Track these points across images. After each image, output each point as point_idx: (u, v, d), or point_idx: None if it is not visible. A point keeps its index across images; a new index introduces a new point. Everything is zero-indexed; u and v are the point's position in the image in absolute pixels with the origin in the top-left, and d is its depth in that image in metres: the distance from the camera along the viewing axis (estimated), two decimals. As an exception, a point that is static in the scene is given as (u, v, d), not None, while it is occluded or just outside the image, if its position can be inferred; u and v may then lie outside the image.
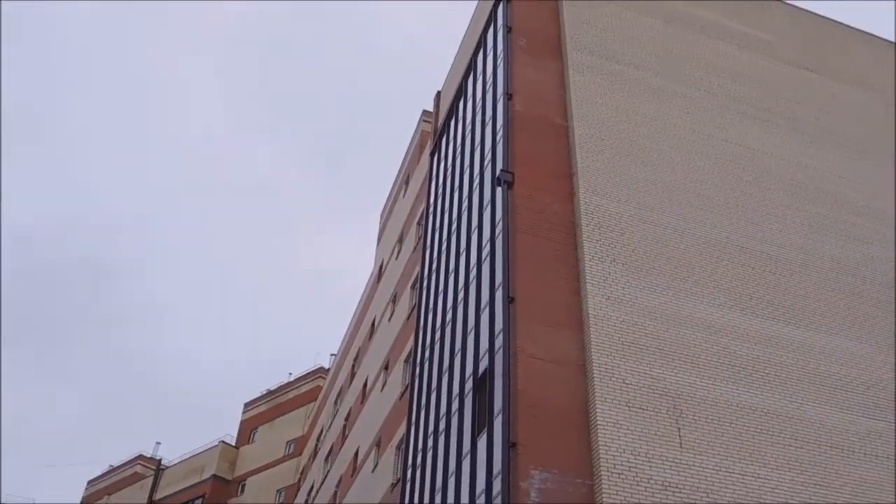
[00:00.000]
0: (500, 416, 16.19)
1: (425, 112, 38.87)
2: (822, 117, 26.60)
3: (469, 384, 18.90)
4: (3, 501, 61.88)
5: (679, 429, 16.53)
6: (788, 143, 24.99)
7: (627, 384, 16.73)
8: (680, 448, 16.21)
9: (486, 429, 16.89)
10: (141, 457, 65.49)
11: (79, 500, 67.66)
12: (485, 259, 20.48)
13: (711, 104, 24.98)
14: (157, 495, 57.25)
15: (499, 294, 18.40)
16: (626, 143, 22.17)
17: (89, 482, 67.76)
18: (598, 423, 15.84)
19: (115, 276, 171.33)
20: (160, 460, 60.99)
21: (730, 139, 24.01)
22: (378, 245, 44.34)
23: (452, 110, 30.42)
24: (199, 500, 54.04)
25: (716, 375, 17.83)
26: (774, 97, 26.43)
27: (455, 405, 19.53)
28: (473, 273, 21.20)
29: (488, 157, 23.03)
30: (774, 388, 18.22)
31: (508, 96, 22.63)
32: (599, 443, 15.55)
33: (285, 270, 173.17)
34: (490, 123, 23.96)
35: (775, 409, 17.77)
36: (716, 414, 17.11)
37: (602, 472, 15.14)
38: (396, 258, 36.35)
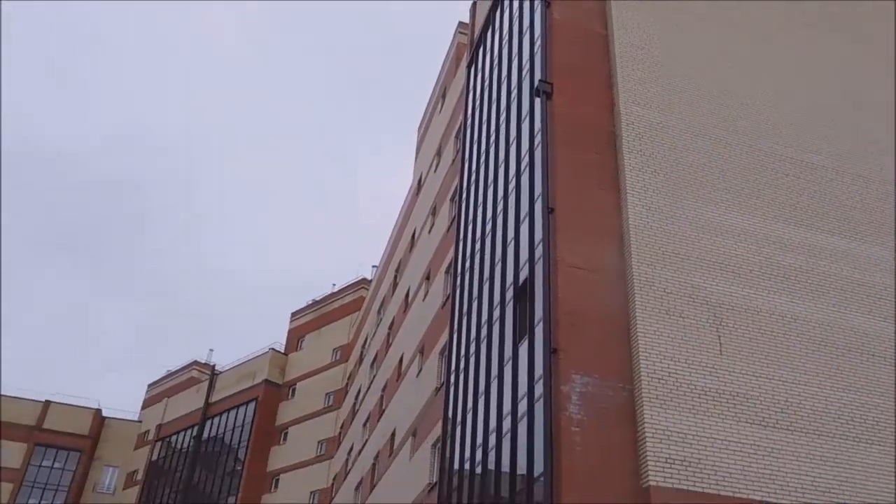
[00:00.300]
0: (540, 324, 16.56)
1: (461, 24, 38.03)
2: (877, 21, 25.62)
3: (510, 293, 19.25)
4: (74, 403, 65.44)
5: (719, 337, 16.77)
6: (841, 50, 24.21)
7: (668, 293, 16.93)
8: (720, 355, 16.49)
9: (527, 336, 17.31)
10: (196, 363, 68.08)
11: (140, 402, 71.05)
12: (524, 170, 20.52)
13: (760, 10, 24.19)
14: (213, 398, 59.74)
15: (538, 205, 18.52)
16: (669, 52, 21.69)
17: (149, 385, 70.96)
18: (639, 331, 16.14)
19: (161, 195, 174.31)
20: (214, 366, 63.38)
21: (778, 46, 23.34)
22: (416, 159, 44.34)
23: (489, 21, 29.83)
24: (253, 403, 56.27)
25: (757, 285, 17.93)
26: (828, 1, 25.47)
27: (496, 313, 19.95)
28: (512, 184, 21.29)
29: (526, 67, 22.73)
30: (817, 297, 18.28)
31: (546, 4, 22.14)
32: (640, 350, 15.89)
33: (326, 186, 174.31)
34: (528, 33, 23.55)
35: (817, 318, 17.89)
36: (757, 323, 17.29)
37: (642, 378, 15.53)
38: (435, 171, 36.42)
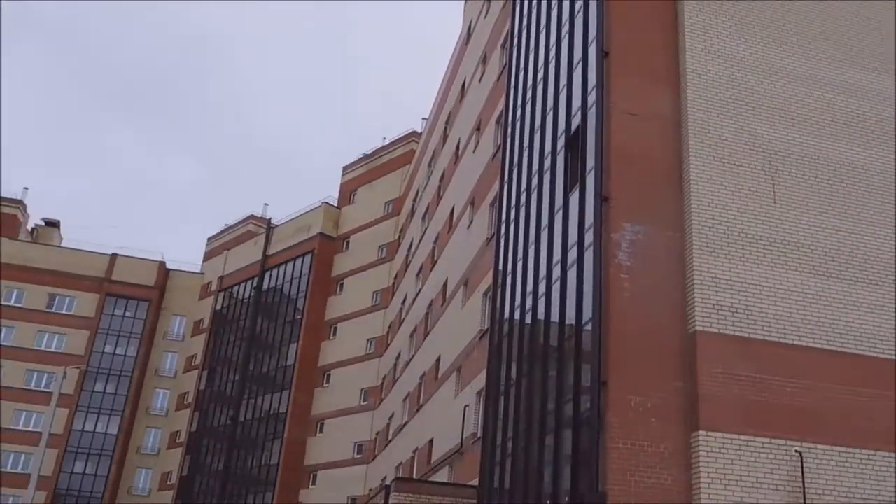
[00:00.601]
0: (592, 172, 16.41)
1: None
2: None
3: (561, 142, 19.00)
4: (138, 256, 68.04)
5: (774, 185, 16.48)
6: None
7: (724, 140, 16.56)
8: (774, 204, 16.27)
9: (577, 185, 17.20)
10: (252, 216, 69.67)
11: (202, 255, 73.56)
12: (578, 12, 19.71)
13: None
14: (270, 251, 61.47)
15: (592, 49, 17.92)
16: None
17: (209, 239, 73.19)
18: (692, 178, 15.93)
19: (220, 54, 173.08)
20: (270, 219, 64.78)
21: None
22: (465, 4, 42.85)
23: None
24: (309, 255, 57.81)
25: (816, 132, 17.39)
26: None
27: (547, 163, 19.79)
28: (566, 28, 20.53)
29: None
30: (877, 144, 17.72)
31: None
32: (692, 198, 15.74)
33: (373, 37, 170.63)
34: None
35: (875, 166, 17.42)
36: (813, 171, 16.90)
37: (693, 226, 15.47)
38: (485, 17, 35.23)
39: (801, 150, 17.04)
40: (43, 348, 63.21)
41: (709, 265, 15.21)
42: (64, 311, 64.95)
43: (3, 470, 59.07)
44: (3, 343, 62.29)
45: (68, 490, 60.46)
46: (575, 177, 17.63)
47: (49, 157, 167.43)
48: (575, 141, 18.05)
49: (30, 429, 59.79)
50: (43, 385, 61.03)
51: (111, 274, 66.65)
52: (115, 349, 64.96)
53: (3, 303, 63.32)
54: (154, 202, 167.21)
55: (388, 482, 25.94)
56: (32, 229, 71.38)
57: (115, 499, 61.48)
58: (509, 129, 24.70)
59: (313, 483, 50.72)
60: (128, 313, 66.24)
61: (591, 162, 16.70)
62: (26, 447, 58.22)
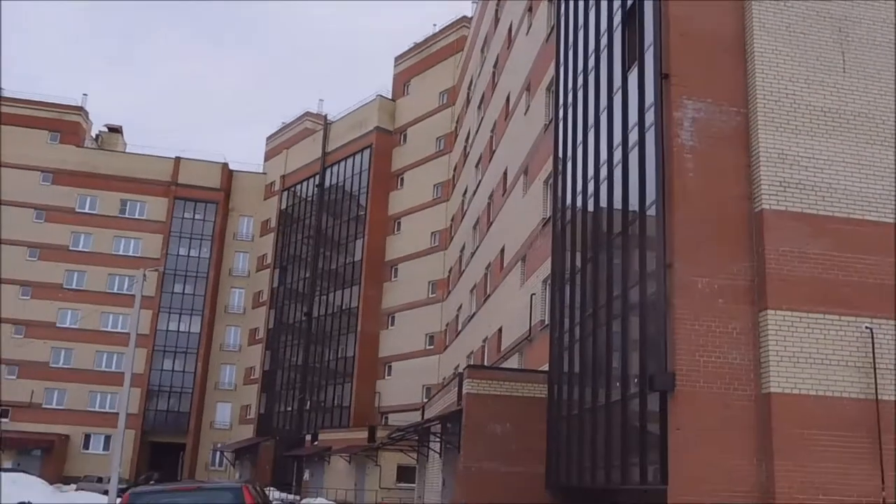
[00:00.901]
0: (650, 49, 15.83)
1: None
2: None
3: (618, 18, 18.28)
4: (201, 159, 69.13)
5: (843, 53, 15.66)
6: None
7: (789, 7, 15.69)
8: (843, 73, 15.51)
9: (636, 62, 16.64)
10: (308, 113, 69.75)
11: (262, 155, 74.40)
12: None
13: None
14: (328, 147, 61.81)
15: (647, -84, 16.93)
16: None
17: (268, 138, 73.83)
18: (755, 50, 15.24)
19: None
20: (326, 116, 64.78)
21: None
22: None
23: None
24: (368, 150, 57.95)
25: (891, -9, 16.32)
26: None
27: (604, 41, 19.13)
28: None
29: None
30: (956, 1, 16.53)
31: None
32: (756, 71, 15.11)
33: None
34: None
35: (954, 26, 16.32)
36: (885, 36, 15.95)
37: (758, 100, 14.91)
38: None
39: (872, 14, 16.03)
40: (121, 253, 65.75)
41: (775, 141, 14.72)
42: (136, 216, 67.00)
43: (97, 370, 62.88)
44: (83, 249, 65.05)
45: (160, 386, 64.09)
46: (633, 54, 17.03)
47: (101, 60, 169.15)
48: (632, 16, 17.34)
49: (118, 330, 62.98)
50: (125, 288, 63.78)
51: (177, 177, 68.05)
52: (188, 251, 67.14)
53: (77, 210, 65.62)
54: (208, 103, 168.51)
55: (460, 370, 26.70)
56: (97, 136, 72.63)
57: (204, 393, 64.92)
58: (562, 8, 23.85)
59: (389, 374, 52.58)
60: (197, 216, 68.01)
61: (649, 38, 16.07)
62: (117, 347, 61.51)
